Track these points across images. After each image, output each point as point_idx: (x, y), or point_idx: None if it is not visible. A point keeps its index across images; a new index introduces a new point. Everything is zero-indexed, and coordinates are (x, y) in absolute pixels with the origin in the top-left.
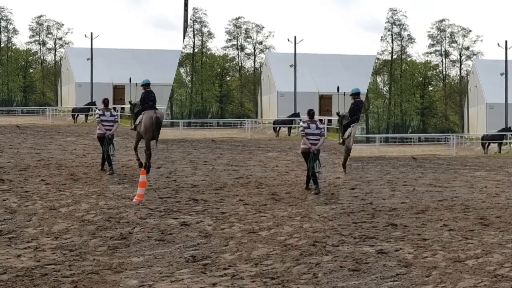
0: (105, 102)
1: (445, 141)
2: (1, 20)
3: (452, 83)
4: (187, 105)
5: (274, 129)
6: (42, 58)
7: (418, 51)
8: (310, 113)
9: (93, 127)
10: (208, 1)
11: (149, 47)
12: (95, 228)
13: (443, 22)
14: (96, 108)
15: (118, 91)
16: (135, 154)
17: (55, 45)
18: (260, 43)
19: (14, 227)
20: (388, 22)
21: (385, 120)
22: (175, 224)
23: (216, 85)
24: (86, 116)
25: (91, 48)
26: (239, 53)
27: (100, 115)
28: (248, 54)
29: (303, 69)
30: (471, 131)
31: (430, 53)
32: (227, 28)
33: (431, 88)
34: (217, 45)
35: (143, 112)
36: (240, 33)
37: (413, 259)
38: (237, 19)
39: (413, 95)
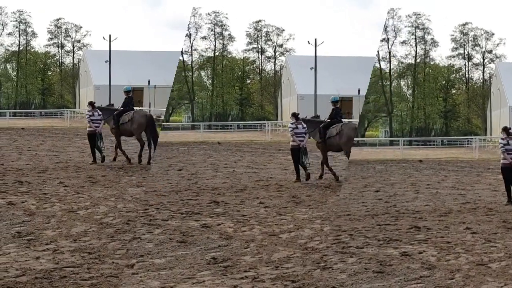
0: (91, 103)
1: (468, 144)
2: (20, 23)
3: (475, 86)
4: (208, 108)
5: None
6: (60, 60)
7: (441, 54)
8: (296, 116)
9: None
10: (228, 4)
11: (166, 49)
12: (114, 231)
13: (466, 26)
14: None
15: (137, 93)
16: (121, 152)
17: (73, 48)
18: (281, 46)
19: (33, 229)
20: (412, 26)
21: (408, 123)
22: (196, 226)
23: (237, 88)
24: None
25: (109, 51)
26: (260, 56)
27: (90, 115)
28: (269, 57)
29: (324, 71)
30: (494, 134)
31: (453, 56)
32: (248, 31)
33: (454, 91)
34: (237, 48)
35: (129, 112)
36: (261, 36)
37: (437, 262)
38: (257, 22)
39: (436, 99)
